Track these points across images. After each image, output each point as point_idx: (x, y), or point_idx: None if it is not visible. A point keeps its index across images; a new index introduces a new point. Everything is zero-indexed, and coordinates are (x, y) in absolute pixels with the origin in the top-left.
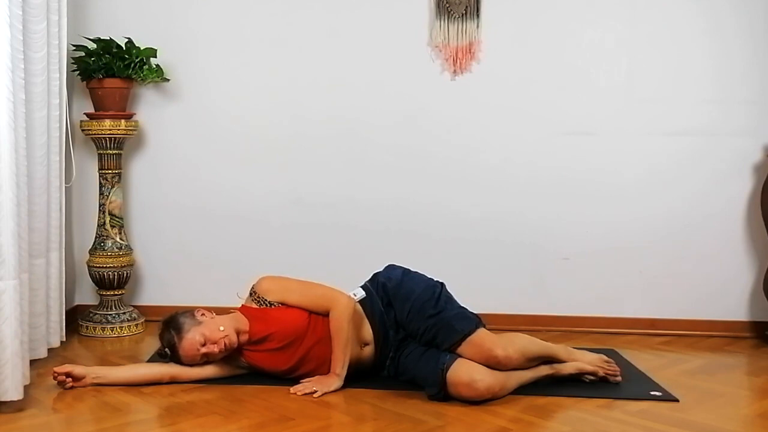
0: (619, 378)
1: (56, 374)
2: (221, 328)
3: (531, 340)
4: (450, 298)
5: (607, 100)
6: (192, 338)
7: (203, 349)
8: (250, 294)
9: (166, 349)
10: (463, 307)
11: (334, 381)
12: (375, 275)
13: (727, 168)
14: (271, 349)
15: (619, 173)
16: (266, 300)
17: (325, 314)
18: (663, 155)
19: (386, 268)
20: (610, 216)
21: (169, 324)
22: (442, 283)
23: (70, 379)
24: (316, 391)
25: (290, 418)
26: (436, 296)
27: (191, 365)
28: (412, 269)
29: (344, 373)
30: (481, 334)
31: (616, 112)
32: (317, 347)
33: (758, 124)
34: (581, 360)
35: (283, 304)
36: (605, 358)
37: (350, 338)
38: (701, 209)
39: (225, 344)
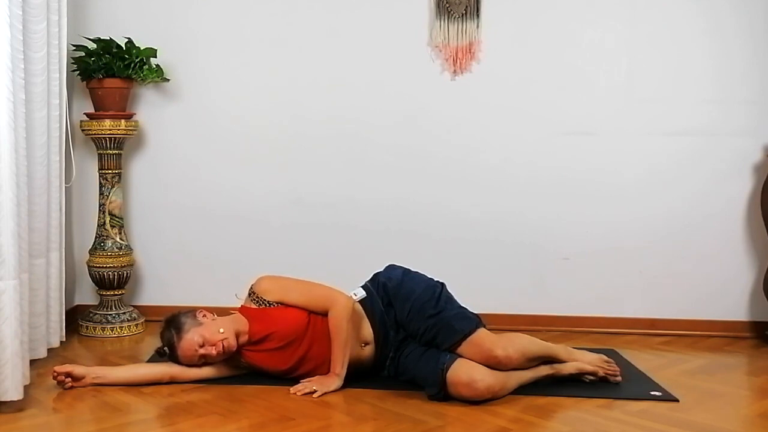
0: (619, 378)
1: (56, 374)
2: (221, 331)
3: (531, 340)
4: (450, 298)
5: (607, 100)
6: (191, 339)
7: (201, 351)
8: (249, 294)
9: (165, 348)
10: (463, 307)
11: (334, 381)
12: (375, 275)
13: (727, 168)
14: (270, 349)
15: (619, 173)
16: (265, 300)
17: (324, 314)
18: (663, 155)
19: (387, 268)
20: (610, 216)
21: (171, 323)
22: (442, 284)
23: (69, 379)
24: (315, 391)
25: (290, 418)
26: (436, 296)
27: (189, 366)
28: (412, 269)
29: (344, 372)
30: (481, 334)
31: (616, 112)
32: (317, 347)
33: (758, 124)
34: (581, 360)
35: (282, 303)
36: (605, 358)
37: (350, 338)
38: (701, 209)
39: (223, 347)
